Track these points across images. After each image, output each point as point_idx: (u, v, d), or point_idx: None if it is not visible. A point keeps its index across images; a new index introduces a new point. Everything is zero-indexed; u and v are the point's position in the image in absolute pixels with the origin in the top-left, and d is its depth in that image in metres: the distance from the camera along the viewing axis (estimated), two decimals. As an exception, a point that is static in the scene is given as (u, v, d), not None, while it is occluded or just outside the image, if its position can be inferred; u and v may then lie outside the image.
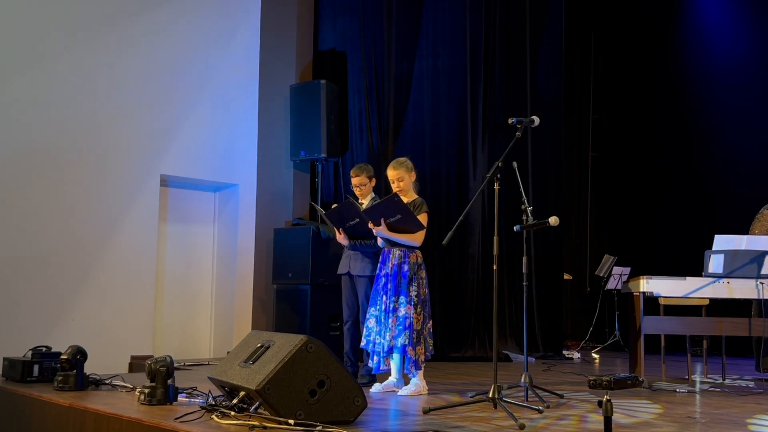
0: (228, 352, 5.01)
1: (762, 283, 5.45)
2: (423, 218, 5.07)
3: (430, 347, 5.10)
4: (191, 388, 4.43)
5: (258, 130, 7.80)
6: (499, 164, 4.35)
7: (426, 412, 4.08)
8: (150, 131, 7.01)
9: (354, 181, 5.68)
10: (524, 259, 4.95)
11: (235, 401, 3.68)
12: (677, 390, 5.43)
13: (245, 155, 7.72)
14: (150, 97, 7.02)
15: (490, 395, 4.06)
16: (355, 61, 8.19)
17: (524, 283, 4.95)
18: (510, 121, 4.57)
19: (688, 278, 5.57)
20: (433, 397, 4.85)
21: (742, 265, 5.52)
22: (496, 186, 4.37)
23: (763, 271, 5.54)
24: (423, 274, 5.11)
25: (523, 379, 4.67)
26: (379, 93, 8.18)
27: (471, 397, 4.70)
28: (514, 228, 4.91)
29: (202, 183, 7.56)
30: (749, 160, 9.15)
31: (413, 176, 5.33)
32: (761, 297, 5.43)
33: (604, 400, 2.85)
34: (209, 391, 4.20)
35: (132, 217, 6.82)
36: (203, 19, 7.47)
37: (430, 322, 5.12)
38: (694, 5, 10.23)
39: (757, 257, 5.53)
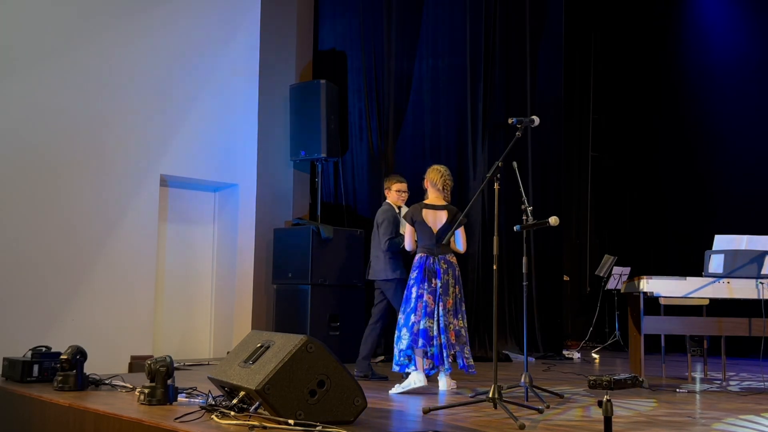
0: (228, 352, 5.01)
1: (762, 283, 5.45)
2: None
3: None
4: (191, 388, 4.43)
5: (258, 130, 7.80)
6: (499, 164, 4.35)
7: (426, 412, 4.08)
8: (149, 131, 7.01)
9: (403, 186, 6.12)
10: (524, 259, 4.94)
11: (234, 401, 3.68)
12: (677, 390, 5.43)
13: (245, 155, 7.71)
14: (149, 97, 7.02)
15: (490, 395, 4.06)
16: (355, 61, 8.18)
17: (524, 283, 4.95)
18: (510, 120, 4.57)
19: (688, 278, 5.56)
20: (433, 397, 4.85)
21: (742, 265, 5.51)
22: (496, 186, 4.37)
23: (764, 271, 5.53)
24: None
25: (523, 379, 4.66)
26: (379, 93, 8.18)
27: (471, 397, 4.70)
28: (514, 228, 4.91)
29: (202, 183, 7.56)
30: (750, 160, 9.15)
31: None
32: (761, 297, 5.42)
33: (604, 400, 2.85)
34: (209, 391, 4.19)
35: (131, 217, 6.81)
36: (203, 19, 7.47)
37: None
38: (694, 5, 10.22)
39: (758, 257, 5.52)
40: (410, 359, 5.16)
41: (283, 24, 8.05)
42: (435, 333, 5.12)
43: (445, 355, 5.07)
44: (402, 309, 5.28)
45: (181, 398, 4.23)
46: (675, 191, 9.96)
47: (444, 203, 5.35)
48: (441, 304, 5.14)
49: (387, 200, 6.12)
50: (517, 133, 4.46)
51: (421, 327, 5.10)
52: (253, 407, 3.58)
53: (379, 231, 5.83)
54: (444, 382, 5.18)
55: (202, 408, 3.78)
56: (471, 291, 8.25)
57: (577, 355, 8.31)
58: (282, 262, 7.37)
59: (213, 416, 3.61)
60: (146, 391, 4.07)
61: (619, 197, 10.70)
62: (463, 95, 8.43)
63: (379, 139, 8.14)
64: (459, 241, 5.30)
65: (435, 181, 5.33)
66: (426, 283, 5.17)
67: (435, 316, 5.13)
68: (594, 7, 10.71)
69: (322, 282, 7.08)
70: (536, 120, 4.58)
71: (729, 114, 9.51)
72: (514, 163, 5.13)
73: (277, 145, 7.89)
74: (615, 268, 9.22)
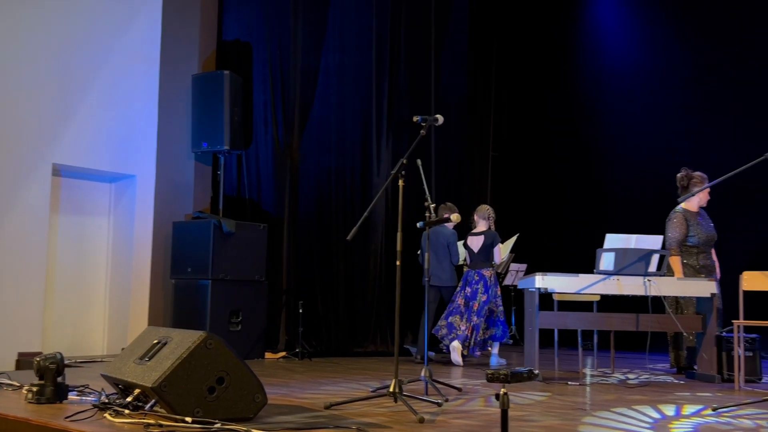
0: (122, 349, 4.86)
1: (650, 280, 5.74)
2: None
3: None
4: (83, 386, 4.28)
5: (158, 119, 7.56)
6: (404, 161, 4.38)
7: (328, 407, 4.08)
8: (41, 117, 6.68)
9: None
10: (426, 255, 5.02)
11: (129, 399, 3.57)
12: (569, 383, 5.64)
13: (144, 145, 7.47)
14: (42, 81, 6.69)
15: (391, 389, 4.10)
16: (261, 53, 8.06)
17: (425, 279, 5.03)
18: (415, 119, 4.62)
19: (580, 275, 5.79)
20: (335, 392, 4.85)
21: (631, 262, 5.78)
22: (400, 183, 4.40)
23: (651, 269, 5.83)
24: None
25: (423, 373, 4.74)
26: (285, 86, 8.09)
27: (372, 391, 4.73)
28: (417, 224, 4.98)
29: (97, 173, 7.28)
30: (638, 163, 9.64)
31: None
32: (648, 294, 5.71)
33: (501, 393, 2.92)
34: (102, 389, 4.06)
35: (21, 207, 6.49)
36: (101, 1, 7.17)
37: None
38: (591, 15, 10.66)
39: (645, 255, 5.81)
40: (440, 339, 7.13)
41: (185, 11, 7.83)
42: (459, 325, 6.93)
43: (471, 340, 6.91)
44: (448, 307, 7.16)
45: (72, 396, 4.08)
46: (569, 191, 10.38)
47: (483, 230, 7.16)
48: (469, 306, 6.94)
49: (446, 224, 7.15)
50: (421, 132, 4.50)
51: (449, 321, 7.01)
52: (148, 405, 3.49)
53: (450, 249, 7.32)
54: (496, 358, 7.09)
55: (94, 406, 3.66)
56: (373, 286, 8.32)
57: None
58: (181, 256, 7.20)
59: (106, 415, 3.50)
60: (34, 389, 3.91)
61: (517, 196, 11.02)
62: (368, 92, 8.47)
63: (285, 133, 8.06)
64: (496, 256, 7.09)
65: (481, 213, 7.22)
66: (461, 291, 7.07)
67: (462, 314, 6.94)
68: (496, 14, 10.98)
69: (223, 277, 6.95)
70: (440, 119, 4.65)
71: (620, 119, 9.99)
72: (418, 161, 5.20)
73: (178, 136, 7.68)
74: (512, 264, 9.49)
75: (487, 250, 7.08)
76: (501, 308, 7.07)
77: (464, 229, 7.57)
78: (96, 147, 7.09)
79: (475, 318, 6.92)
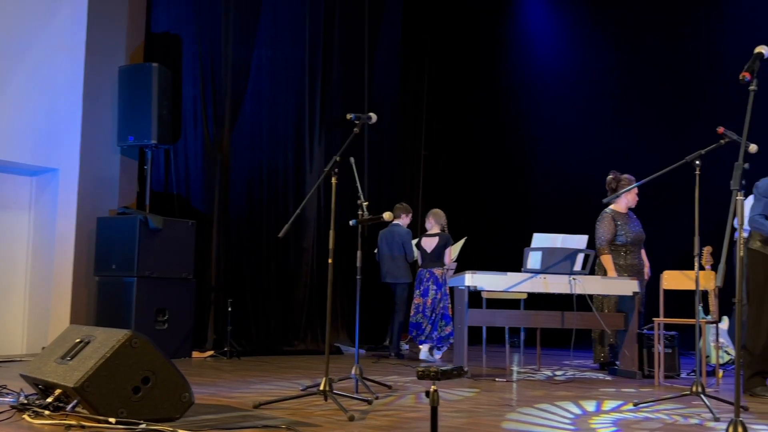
0: (43, 348, 4.71)
1: (575, 279, 5.89)
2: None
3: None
4: (0, 387, 4.12)
5: (82, 111, 7.31)
6: (337, 159, 4.38)
7: (257, 406, 4.04)
8: (-43, 107, 6.39)
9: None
10: (358, 253, 5.03)
11: (50, 399, 3.46)
12: (496, 379, 5.74)
13: (67, 138, 7.22)
14: (-42, 69, 6.40)
15: (321, 388, 4.09)
16: (190, 46, 7.89)
17: (357, 277, 5.03)
18: (348, 116, 4.62)
19: (508, 273, 5.90)
20: (264, 391, 4.81)
21: (557, 261, 5.92)
22: (333, 180, 4.40)
23: (576, 268, 5.98)
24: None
25: (353, 371, 4.74)
26: (216, 80, 7.95)
27: (302, 390, 4.71)
28: (350, 222, 4.97)
29: (17, 166, 7.00)
30: (564, 165, 9.87)
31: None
32: (573, 292, 5.86)
33: (431, 390, 2.94)
34: (21, 389, 3.92)
35: (-67, 200, 6.19)
36: (23, -11, 6.91)
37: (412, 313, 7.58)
38: (522, 17, 10.86)
39: (571, 255, 5.97)
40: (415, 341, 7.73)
41: (112, 0, 7.60)
42: (421, 321, 7.47)
43: (429, 334, 7.43)
44: (413, 308, 7.60)
45: (-12, 398, 3.93)
46: (498, 190, 10.57)
47: (437, 232, 7.64)
48: (423, 302, 7.47)
49: (399, 223, 7.73)
50: (355, 129, 4.51)
51: (413, 321, 7.54)
52: (70, 406, 3.38)
53: (405, 247, 7.66)
54: (426, 353, 7.48)
55: (12, 407, 3.55)
56: (304, 284, 8.28)
57: (405, 347, 8.56)
58: (105, 252, 6.99)
59: (25, 416, 3.40)
60: (-53, 390, 3.75)
61: (447, 195, 11.13)
62: (301, 89, 8.42)
63: (215, 128, 7.93)
64: (446, 257, 7.58)
65: (437, 219, 7.72)
66: (417, 289, 7.57)
67: (423, 312, 7.47)
68: (428, 14, 11.06)
69: (149, 274, 6.79)
70: (374, 117, 4.66)
71: (549, 121, 10.22)
72: (351, 159, 5.20)
73: (104, 129, 7.44)
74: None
75: (440, 251, 7.56)
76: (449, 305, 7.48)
77: (413, 228, 8.07)
78: (16, 139, 6.82)
79: (429, 313, 7.44)
